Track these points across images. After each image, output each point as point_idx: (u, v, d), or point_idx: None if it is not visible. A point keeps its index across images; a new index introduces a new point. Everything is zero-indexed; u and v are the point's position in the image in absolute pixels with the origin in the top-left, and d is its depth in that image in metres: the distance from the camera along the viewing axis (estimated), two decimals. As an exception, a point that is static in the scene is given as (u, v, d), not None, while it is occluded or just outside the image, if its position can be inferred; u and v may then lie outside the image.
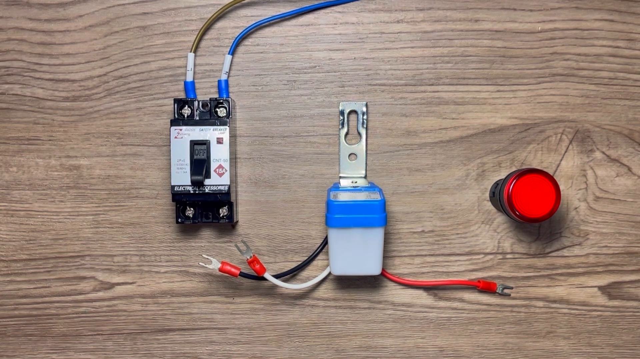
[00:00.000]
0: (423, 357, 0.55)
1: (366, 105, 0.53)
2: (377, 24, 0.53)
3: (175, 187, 0.50)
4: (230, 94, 0.54)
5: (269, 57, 0.54)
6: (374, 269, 0.49)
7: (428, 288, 0.55)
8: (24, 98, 0.54)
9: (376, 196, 0.48)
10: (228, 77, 0.53)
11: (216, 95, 0.53)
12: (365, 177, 0.54)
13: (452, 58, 0.53)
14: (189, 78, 0.52)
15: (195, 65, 0.53)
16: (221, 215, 0.52)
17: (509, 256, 0.54)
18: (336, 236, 0.48)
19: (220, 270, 0.51)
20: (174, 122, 0.50)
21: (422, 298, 0.55)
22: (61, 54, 0.53)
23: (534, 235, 0.54)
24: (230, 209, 0.52)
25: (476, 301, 0.55)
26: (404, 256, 0.54)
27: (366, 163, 0.54)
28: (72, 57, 0.53)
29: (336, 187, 0.52)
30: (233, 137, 0.52)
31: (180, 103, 0.51)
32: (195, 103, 0.51)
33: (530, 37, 0.53)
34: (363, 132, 0.53)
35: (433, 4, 0.53)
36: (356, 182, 0.53)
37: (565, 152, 0.54)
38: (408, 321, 0.55)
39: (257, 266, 0.51)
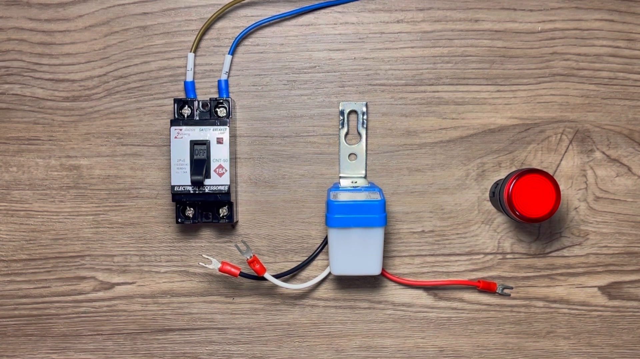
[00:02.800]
0: (423, 357, 0.55)
1: (366, 105, 0.53)
2: (377, 24, 0.53)
3: (175, 187, 0.50)
4: (230, 94, 0.54)
5: (269, 57, 0.54)
6: (374, 269, 0.49)
7: (428, 288, 0.55)
8: (24, 98, 0.54)
9: (376, 197, 0.48)
10: (228, 77, 0.53)
11: (216, 95, 0.53)
12: (365, 177, 0.54)
13: (452, 58, 0.53)
14: (189, 78, 0.52)
15: (195, 65, 0.53)
16: (221, 215, 0.52)
17: (509, 256, 0.54)
18: (336, 236, 0.48)
19: (220, 270, 0.51)
20: (174, 122, 0.50)
21: (422, 298, 0.55)
22: (61, 54, 0.53)
23: (534, 235, 0.54)
24: (230, 209, 0.52)
25: (476, 301, 0.55)
26: (404, 256, 0.54)
27: (366, 163, 0.54)
28: (72, 57, 0.53)
29: (336, 187, 0.52)
30: (233, 137, 0.52)
31: (180, 103, 0.51)
32: (195, 103, 0.51)
33: (530, 37, 0.53)
34: (363, 132, 0.53)
35: (433, 4, 0.53)
36: (356, 182, 0.53)
37: (565, 152, 0.54)
38: (408, 321, 0.55)
39: (257, 266, 0.51)
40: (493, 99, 0.54)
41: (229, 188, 0.50)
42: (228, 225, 0.54)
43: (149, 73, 0.53)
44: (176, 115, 0.51)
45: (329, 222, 0.48)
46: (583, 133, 0.54)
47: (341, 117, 0.53)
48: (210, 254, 0.54)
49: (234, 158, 0.53)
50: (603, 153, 0.54)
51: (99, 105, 0.54)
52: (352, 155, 0.54)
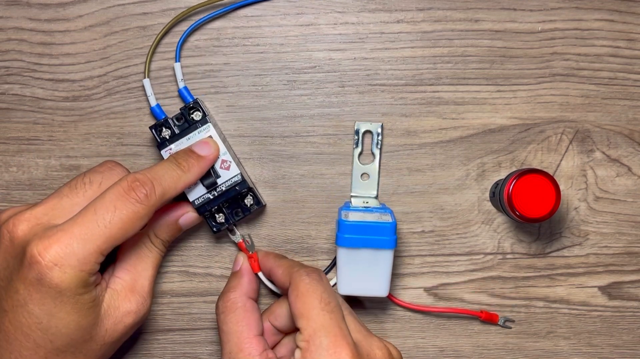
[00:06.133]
0: (423, 357, 0.55)
1: (381, 127, 0.53)
2: (377, 24, 0.53)
3: (196, 201, 0.50)
4: (231, 94, 0.54)
5: (269, 57, 0.54)
6: (381, 291, 0.49)
7: (428, 289, 0.55)
8: (24, 98, 0.54)
9: (387, 218, 0.48)
10: (184, 83, 0.52)
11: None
12: (376, 198, 0.53)
13: (452, 58, 0.53)
14: (152, 103, 0.52)
15: (152, 89, 0.53)
16: (249, 205, 0.51)
17: (509, 256, 0.54)
18: (345, 256, 0.48)
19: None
20: (161, 146, 0.50)
21: (422, 298, 0.55)
22: (61, 54, 0.53)
23: (534, 235, 0.54)
24: (254, 195, 0.51)
25: (476, 301, 0.55)
26: (404, 256, 0.54)
27: (378, 184, 0.54)
28: (72, 57, 0.53)
29: (347, 207, 0.51)
30: (220, 132, 0.51)
31: (157, 128, 0.50)
32: (170, 121, 0.50)
33: (530, 37, 0.53)
34: (377, 152, 0.53)
35: (433, 4, 0.53)
36: (367, 202, 0.53)
37: (565, 152, 0.54)
38: (408, 321, 0.55)
39: (254, 264, 0.51)
40: (493, 99, 0.54)
41: (242, 175, 0.50)
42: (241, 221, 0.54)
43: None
44: (159, 140, 0.50)
45: (339, 241, 0.48)
46: (583, 133, 0.54)
47: (356, 137, 0.53)
48: (210, 254, 0.54)
49: (234, 156, 0.52)
50: (603, 153, 0.54)
51: (99, 105, 0.54)
52: (364, 175, 0.54)
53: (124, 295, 0.45)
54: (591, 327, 0.55)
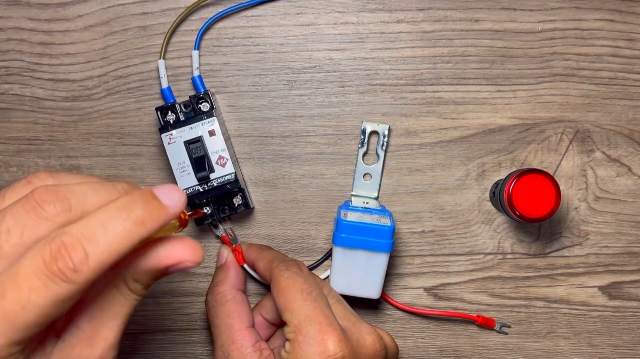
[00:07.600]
0: (423, 357, 0.55)
1: (389, 129, 0.53)
2: (377, 24, 0.53)
3: (184, 191, 0.50)
4: (231, 94, 0.54)
5: (269, 57, 0.54)
6: (373, 293, 0.50)
7: (428, 288, 0.55)
8: (24, 98, 0.54)
9: (386, 222, 0.48)
10: (200, 72, 0.52)
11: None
12: (377, 199, 0.53)
13: (452, 58, 0.53)
14: (164, 84, 0.52)
15: (166, 69, 0.53)
16: (236, 205, 0.52)
17: (509, 256, 0.54)
18: (341, 255, 0.48)
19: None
20: (163, 129, 0.50)
21: (422, 298, 0.55)
22: (61, 54, 0.53)
23: (534, 235, 0.54)
24: (244, 196, 0.51)
25: (476, 301, 0.55)
26: (404, 256, 0.54)
27: (380, 186, 0.54)
28: (72, 57, 0.53)
29: (347, 206, 0.51)
30: (224, 127, 0.51)
31: (163, 110, 0.51)
32: (177, 106, 0.51)
33: (530, 37, 0.53)
34: (382, 154, 0.53)
35: (433, 4, 0.53)
36: (367, 203, 0.53)
37: (566, 152, 0.54)
38: (408, 321, 0.55)
39: (239, 256, 0.52)
40: (493, 99, 0.54)
41: (235, 175, 0.50)
42: (237, 218, 0.54)
43: (149, 73, 0.53)
44: (162, 123, 0.50)
45: (336, 240, 0.48)
46: (583, 133, 0.54)
47: (362, 137, 0.53)
48: (208, 253, 0.54)
49: (233, 155, 0.53)
50: (603, 153, 0.54)
51: (99, 105, 0.54)
52: (367, 175, 0.54)
53: (79, 350, 0.34)
54: (591, 327, 0.55)
